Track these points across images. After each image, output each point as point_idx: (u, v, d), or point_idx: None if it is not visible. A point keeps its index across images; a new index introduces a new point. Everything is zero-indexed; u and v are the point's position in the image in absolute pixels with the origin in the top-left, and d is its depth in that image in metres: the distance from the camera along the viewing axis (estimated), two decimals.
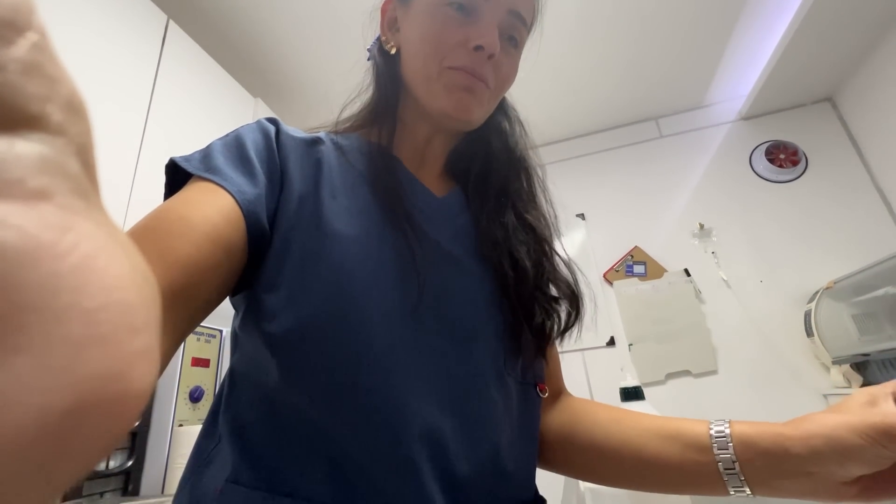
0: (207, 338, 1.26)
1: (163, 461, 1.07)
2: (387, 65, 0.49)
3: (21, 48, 0.08)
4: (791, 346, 1.77)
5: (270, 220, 0.38)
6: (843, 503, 0.34)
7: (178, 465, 1.07)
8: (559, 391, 0.52)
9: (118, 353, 0.08)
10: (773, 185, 1.99)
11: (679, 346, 1.87)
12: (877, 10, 1.54)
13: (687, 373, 1.84)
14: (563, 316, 0.48)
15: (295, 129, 0.46)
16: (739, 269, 1.92)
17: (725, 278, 1.91)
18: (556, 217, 0.54)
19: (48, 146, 0.08)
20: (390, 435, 0.34)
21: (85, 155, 0.09)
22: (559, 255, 0.51)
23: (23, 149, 0.08)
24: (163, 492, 1.05)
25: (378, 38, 0.51)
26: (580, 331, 0.49)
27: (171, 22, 1.33)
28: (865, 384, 1.53)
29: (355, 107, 0.53)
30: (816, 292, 1.70)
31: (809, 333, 1.69)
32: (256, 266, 0.38)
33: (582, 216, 2.17)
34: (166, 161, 0.38)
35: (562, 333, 0.48)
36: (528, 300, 0.45)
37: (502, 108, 0.55)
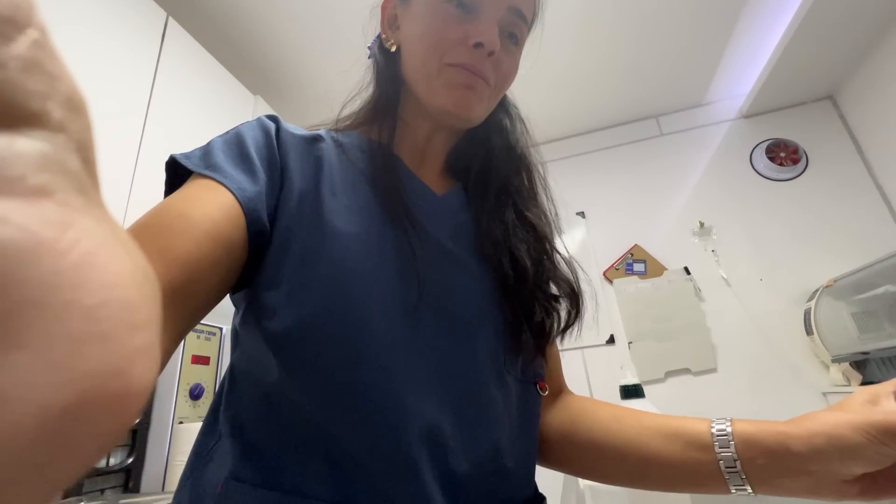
0: (207, 335, 1.27)
1: (163, 458, 1.07)
2: (387, 62, 0.49)
3: (21, 45, 0.08)
4: (790, 345, 1.77)
5: (271, 218, 0.38)
6: (844, 501, 0.34)
7: (179, 462, 1.07)
8: (560, 389, 0.53)
9: (119, 350, 0.08)
10: (774, 184, 1.98)
11: (679, 345, 1.87)
12: (878, 8, 1.53)
13: (686, 371, 1.84)
14: (563, 314, 0.48)
15: (295, 126, 0.46)
16: (739, 267, 1.92)
17: (725, 276, 1.91)
18: (556, 214, 0.54)
19: (49, 143, 0.08)
20: (390, 433, 0.34)
21: (85, 152, 0.09)
22: (560, 253, 0.51)
23: (23, 146, 0.08)
24: (163, 489, 1.06)
25: (378, 36, 0.51)
26: (580, 329, 0.49)
27: (171, 19, 1.32)
28: (865, 382, 1.53)
29: (356, 104, 0.53)
30: (816, 290, 1.70)
31: (809, 332, 1.69)
32: (256, 264, 0.38)
33: (582, 214, 2.17)
34: (166, 158, 0.38)
35: (562, 332, 0.48)
36: (528, 299, 0.45)
37: (503, 106, 0.55)
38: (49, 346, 0.07)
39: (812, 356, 1.74)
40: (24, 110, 0.08)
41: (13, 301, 0.07)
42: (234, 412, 0.38)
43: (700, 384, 1.82)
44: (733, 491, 0.37)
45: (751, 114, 2.09)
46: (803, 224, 1.90)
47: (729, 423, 0.38)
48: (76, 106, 0.09)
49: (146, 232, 0.30)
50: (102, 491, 1.03)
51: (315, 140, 0.45)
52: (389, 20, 0.49)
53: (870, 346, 1.45)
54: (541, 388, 0.46)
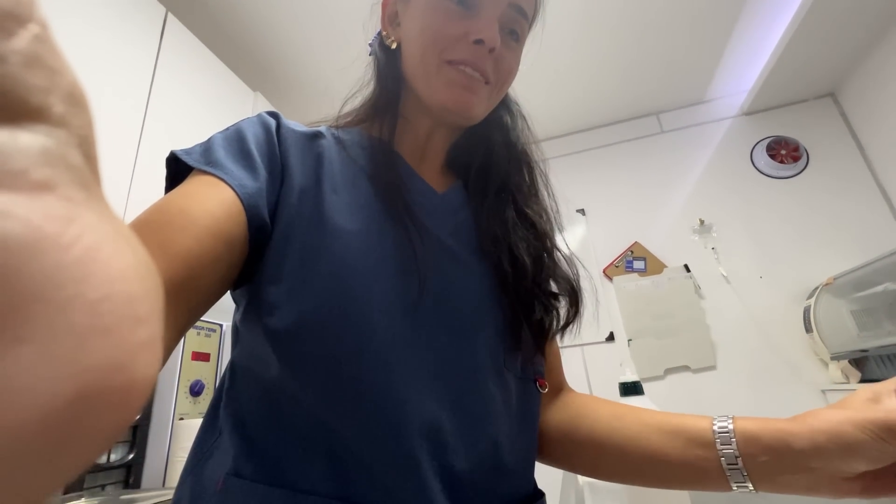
0: (207, 332, 1.27)
1: (164, 454, 1.08)
2: (388, 60, 0.49)
3: (23, 39, 0.08)
4: (790, 342, 1.77)
5: (271, 214, 0.38)
6: (846, 499, 0.34)
7: (179, 458, 1.07)
8: (560, 387, 0.53)
9: (122, 344, 0.08)
10: (774, 181, 1.98)
11: (678, 342, 1.87)
12: (879, 5, 1.53)
13: (686, 368, 1.85)
14: (563, 312, 0.48)
15: (295, 122, 0.46)
16: (739, 264, 1.92)
17: (725, 274, 1.92)
18: (558, 212, 0.54)
19: (51, 138, 0.08)
20: (390, 429, 0.34)
21: (87, 147, 0.09)
22: (560, 251, 0.51)
23: (26, 140, 0.08)
24: (164, 485, 1.06)
25: (379, 33, 0.51)
26: (579, 327, 0.49)
27: (170, 15, 1.32)
28: (864, 380, 1.54)
29: (356, 101, 0.53)
30: (816, 288, 1.71)
31: (808, 329, 1.69)
32: (257, 260, 0.38)
33: (582, 211, 2.17)
34: (166, 154, 0.38)
35: (561, 330, 0.48)
36: (528, 296, 0.45)
37: (504, 103, 0.55)
38: (53, 340, 0.07)
39: (811, 354, 1.74)
40: (25, 105, 0.08)
41: (17, 295, 0.07)
42: (234, 408, 0.38)
43: (699, 381, 1.82)
44: (735, 488, 0.37)
45: (752, 111, 2.09)
46: (803, 221, 1.90)
47: (730, 421, 0.38)
48: (77, 101, 0.09)
49: (147, 228, 0.30)
50: (103, 487, 1.03)
51: (315, 137, 0.45)
52: (390, 17, 0.49)
53: (869, 344, 1.46)
54: (540, 386, 0.46)
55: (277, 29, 1.61)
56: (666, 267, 1.99)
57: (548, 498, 0.45)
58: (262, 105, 1.67)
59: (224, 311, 0.42)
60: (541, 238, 0.49)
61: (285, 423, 0.35)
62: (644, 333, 1.92)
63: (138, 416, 1.08)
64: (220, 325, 1.32)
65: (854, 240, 1.82)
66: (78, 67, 0.09)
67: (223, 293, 0.35)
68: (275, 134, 0.42)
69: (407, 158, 0.48)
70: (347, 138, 0.46)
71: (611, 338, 1.96)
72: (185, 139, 1.06)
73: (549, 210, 0.53)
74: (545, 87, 1.97)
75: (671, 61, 1.90)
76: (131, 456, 1.06)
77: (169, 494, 0.94)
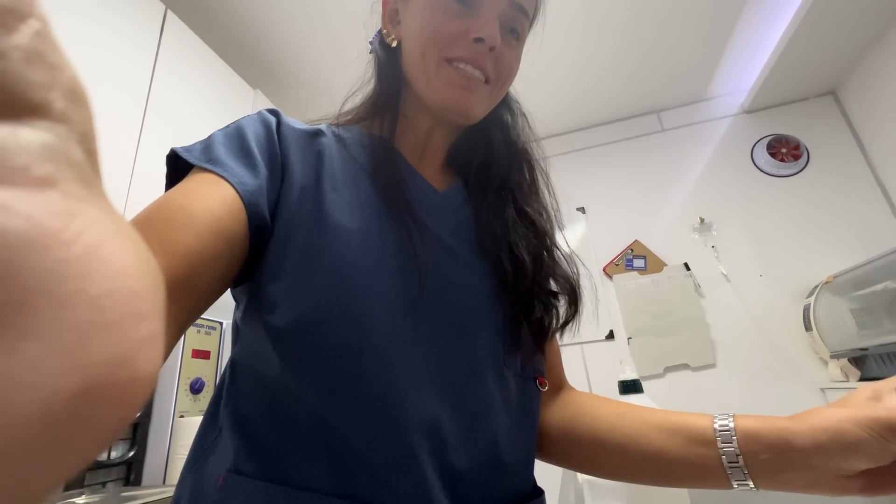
0: (208, 330, 1.27)
1: (164, 452, 1.08)
2: (388, 58, 0.49)
3: (23, 35, 0.08)
4: (789, 341, 1.77)
5: (272, 212, 0.38)
6: (846, 496, 0.34)
7: (180, 455, 1.07)
8: (560, 385, 0.53)
9: (124, 339, 0.08)
10: (775, 180, 1.98)
11: (678, 340, 1.87)
12: (880, 4, 1.52)
13: (685, 366, 1.85)
14: (562, 311, 0.48)
15: (296, 120, 0.46)
16: (739, 263, 1.92)
17: (725, 272, 1.92)
18: (558, 210, 0.54)
19: (52, 134, 0.08)
20: (391, 426, 0.34)
21: (87, 143, 0.09)
22: (560, 249, 0.51)
23: (27, 136, 0.08)
24: (164, 482, 1.06)
25: (379, 31, 0.51)
26: (578, 326, 0.49)
27: (170, 12, 1.32)
28: (863, 379, 1.54)
29: (357, 99, 0.52)
30: (816, 287, 1.71)
31: (808, 328, 1.69)
32: (258, 258, 0.38)
33: (582, 210, 2.17)
34: (166, 151, 0.38)
35: (561, 328, 0.49)
36: (527, 295, 0.45)
37: (505, 101, 0.55)
38: (56, 335, 0.07)
39: (811, 352, 1.75)
40: (26, 101, 0.08)
41: (20, 290, 0.07)
42: (234, 406, 0.38)
43: (699, 380, 1.82)
44: (735, 486, 0.37)
45: (752, 109, 2.09)
46: (804, 220, 1.90)
47: (731, 419, 0.38)
48: (78, 97, 0.09)
49: (147, 225, 0.30)
50: (104, 484, 1.03)
51: (316, 135, 0.45)
52: (390, 15, 0.49)
53: (868, 343, 1.46)
54: (540, 384, 0.46)
55: (277, 27, 1.61)
56: (666, 265, 1.99)
57: (547, 496, 0.45)
58: (262, 103, 1.67)
59: (224, 308, 0.42)
60: (541, 237, 0.49)
61: (285, 421, 0.35)
62: (644, 332, 1.93)
63: (139, 414, 1.09)
64: (221, 323, 1.32)
65: (854, 238, 1.82)
66: (77, 64, 0.09)
67: (223, 291, 0.35)
68: (275, 132, 0.42)
69: (407, 157, 0.48)
70: (348, 136, 0.46)
71: (610, 336, 1.96)
72: (185, 137, 1.06)
73: (550, 208, 0.53)
74: (546, 85, 1.97)
75: (672, 59, 1.89)
76: (132, 453, 1.06)
77: (169, 492, 0.95)
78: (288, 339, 0.35)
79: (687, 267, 1.96)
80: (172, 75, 1.30)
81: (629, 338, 1.93)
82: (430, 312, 0.39)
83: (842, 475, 0.34)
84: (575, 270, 0.50)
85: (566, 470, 0.72)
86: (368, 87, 0.52)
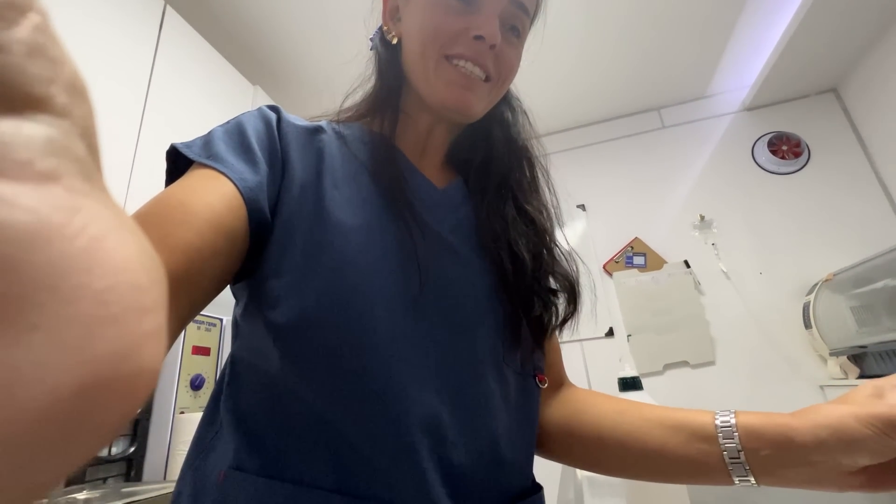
0: (208, 326, 1.27)
1: (165, 448, 1.08)
2: (388, 55, 0.49)
3: (24, 29, 0.08)
4: (789, 338, 1.78)
5: (272, 208, 0.38)
6: (847, 492, 0.34)
7: (180, 451, 1.08)
8: (560, 382, 0.53)
9: (128, 333, 0.08)
10: (775, 177, 1.98)
11: (677, 337, 1.88)
12: (882, 1, 1.52)
13: (685, 364, 1.85)
14: (562, 308, 0.48)
15: (296, 117, 0.46)
16: (739, 260, 1.92)
17: (725, 270, 1.92)
18: (558, 207, 0.54)
19: (54, 128, 0.08)
20: (391, 422, 0.34)
21: (89, 137, 0.09)
22: (560, 247, 0.51)
23: (30, 130, 0.08)
24: (165, 478, 1.07)
25: (380, 28, 0.50)
26: (578, 323, 0.49)
27: (169, 7, 1.31)
28: (862, 376, 1.54)
29: (357, 96, 0.52)
30: (816, 284, 1.71)
31: (808, 325, 1.69)
32: (258, 254, 0.38)
33: (582, 207, 2.17)
34: (166, 147, 0.38)
35: (560, 325, 0.49)
36: (526, 292, 0.45)
37: (505, 99, 0.55)
38: (60, 329, 0.07)
39: (810, 349, 1.75)
40: (28, 95, 0.08)
41: (24, 284, 0.07)
42: (234, 402, 0.38)
43: (698, 377, 1.83)
44: (737, 482, 0.37)
45: (753, 106, 2.08)
46: (804, 218, 1.90)
47: (733, 415, 0.38)
48: (79, 91, 0.09)
49: (147, 221, 0.30)
50: (105, 479, 1.04)
51: (316, 131, 0.45)
52: (391, 12, 0.49)
53: (868, 340, 1.46)
54: (540, 381, 0.46)
55: (277, 23, 1.60)
56: (666, 262, 1.99)
57: (546, 492, 0.45)
58: (262, 99, 1.67)
59: (224, 305, 0.42)
60: (540, 234, 0.49)
61: (286, 417, 0.35)
62: (643, 329, 1.93)
63: (139, 410, 1.09)
64: (221, 320, 1.32)
65: (854, 236, 1.82)
66: (77, 59, 0.09)
67: (223, 287, 0.35)
68: (275, 128, 0.42)
69: (408, 154, 0.48)
70: (348, 133, 0.46)
71: (610, 333, 1.96)
72: (185, 132, 1.06)
73: (550, 206, 0.53)
74: (546, 82, 1.96)
75: (673, 56, 1.89)
76: (132, 449, 1.06)
77: (170, 487, 0.95)
78: (288, 336, 0.35)
79: (687, 264, 1.96)
80: (172, 71, 1.30)
81: (629, 335, 1.94)
82: (430, 310, 0.39)
83: (843, 472, 0.34)
84: (574, 268, 0.50)
85: (565, 466, 0.72)
86: (369, 84, 0.52)
